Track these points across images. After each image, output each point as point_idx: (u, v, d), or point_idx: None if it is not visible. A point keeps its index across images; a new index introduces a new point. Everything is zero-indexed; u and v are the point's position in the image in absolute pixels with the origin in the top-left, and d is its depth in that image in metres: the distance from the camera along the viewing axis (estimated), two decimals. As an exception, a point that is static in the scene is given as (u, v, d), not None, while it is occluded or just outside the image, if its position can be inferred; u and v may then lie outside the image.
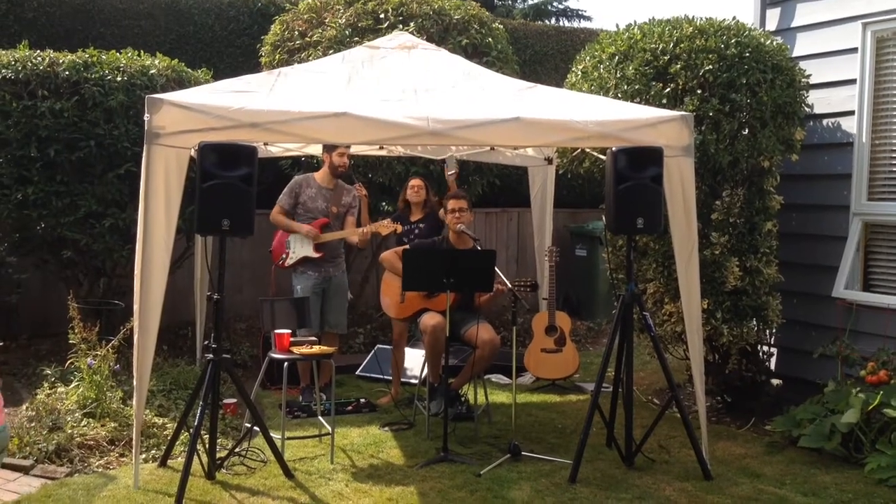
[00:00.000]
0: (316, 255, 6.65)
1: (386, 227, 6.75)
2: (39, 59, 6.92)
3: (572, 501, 4.77)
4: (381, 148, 7.37)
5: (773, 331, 6.62)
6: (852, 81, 6.38)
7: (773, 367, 6.87)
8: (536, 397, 7.17)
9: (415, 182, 7.27)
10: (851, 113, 6.39)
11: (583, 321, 10.05)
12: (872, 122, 6.32)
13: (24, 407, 5.94)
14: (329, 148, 6.71)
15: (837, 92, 6.51)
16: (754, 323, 6.35)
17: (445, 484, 5.00)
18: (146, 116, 4.66)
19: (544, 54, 12.18)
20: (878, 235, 6.38)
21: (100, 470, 5.14)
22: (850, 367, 5.99)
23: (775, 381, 6.91)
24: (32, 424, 5.48)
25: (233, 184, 4.78)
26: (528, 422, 6.36)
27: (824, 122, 6.64)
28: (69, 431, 5.39)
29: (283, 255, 6.72)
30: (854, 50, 6.36)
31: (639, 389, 6.93)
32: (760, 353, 6.64)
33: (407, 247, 6.33)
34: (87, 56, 7.04)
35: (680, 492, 4.95)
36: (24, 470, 5.03)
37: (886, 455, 5.17)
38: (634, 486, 5.02)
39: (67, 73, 6.85)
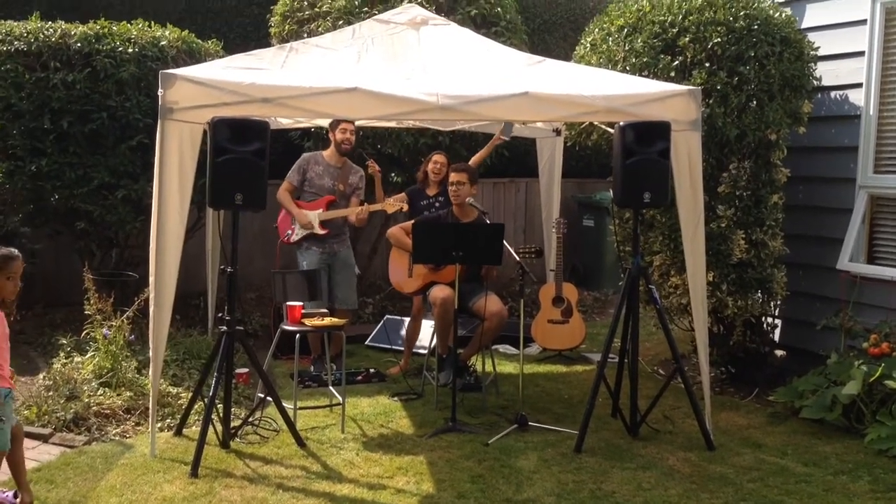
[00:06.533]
0: (321, 231, 6.71)
1: (392, 205, 6.76)
2: (51, 30, 6.97)
3: (578, 471, 4.88)
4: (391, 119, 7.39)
5: (778, 303, 6.68)
6: (860, 54, 6.37)
7: (776, 338, 6.95)
8: (543, 368, 7.27)
9: (438, 158, 7.07)
10: (859, 85, 6.39)
11: (589, 291, 10.12)
12: (880, 95, 6.31)
13: (41, 376, 6.07)
14: (333, 125, 6.74)
15: (845, 64, 6.50)
16: (759, 295, 6.41)
17: (454, 453, 5.11)
18: (160, 91, 4.71)
19: (553, 23, 12.13)
20: (884, 208, 6.42)
21: (117, 438, 5.27)
22: (853, 339, 6.06)
23: (779, 353, 6.99)
24: (50, 393, 5.61)
25: (246, 158, 4.84)
26: (534, 392, 6.46)
27: (832, 94, 6.65)
28: (86, 400, 5.52)
29: (289, 231, 6.79)
30: (863, 22, 6.34)
31: (644, 360, 7.03)
32: (765, 325, 6.71)
33: (412, 223, 6.39)
34: (98, 27, 7.09)
35: (683, 461, 5.06)
36: (43, 438, 5.16)
37: (887, 426, 5.25)
38: (639, 456, 5.13)
39: (79, 44, 6.90)
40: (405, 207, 6.86)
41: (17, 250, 4.15)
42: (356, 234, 7.32)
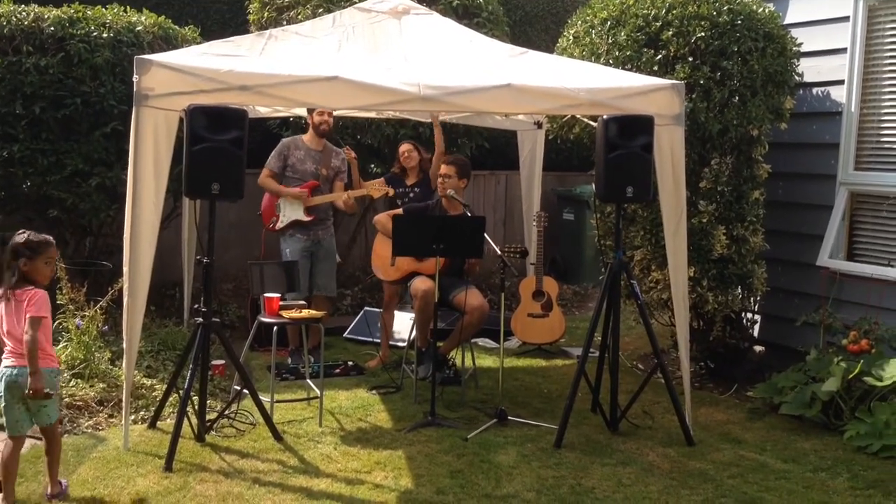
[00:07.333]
0: (307, 218, 6.66)
1: (377, 189, 6.73)
2: (24, 13, 6.80)
3: (557, 466, 4.84)
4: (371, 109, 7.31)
5: (758, 298, 6.68)
6: (843, 50, 6.37)
7: (756, 334, 6.95)
8: (523, 362, 7.24)
9: (404, 148, 7.13)
10: (841, 82, 6.39)
11: (569, 285, 10.11)
12: (862, 92, 6.32)
13: (11, 366, 5.94)
14: (311, 107, 6.69)
15: (828, 61, 6.50)
16: (739, 291, 6.41)
17: (433, 448, 5.06)
18: (135, 77, 4.61)
19: (535, 15, 12.07)
20: (864, 205, 6.43)
21: (89, 431, 5.17)
22: (832, 336, 6.07)
23: (758, 348, 6.99)
24: (21, 384, 5.49)
25: (222, 147, 4.75)
26: (514, 386, 6.42)
27: (814, 90, 6.65)
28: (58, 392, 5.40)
29: (274, 219, 6.72)
30: (846, 18, 6.34)
31: (624, 355, 7.00)
32: (744, 321, 6.72)
33: (400, 210, 6.34)
34: (72, 11, 6.93)
35: (663, 457, 5.04)
36: (14, 430, 5.04)
37: (865, 423, 5.26)
38: (618, 452, 5.11)
39: (53, 28, 6.74)
40: (391, 192, 6.81)
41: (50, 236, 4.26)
42: (337, 221, 7.25)
